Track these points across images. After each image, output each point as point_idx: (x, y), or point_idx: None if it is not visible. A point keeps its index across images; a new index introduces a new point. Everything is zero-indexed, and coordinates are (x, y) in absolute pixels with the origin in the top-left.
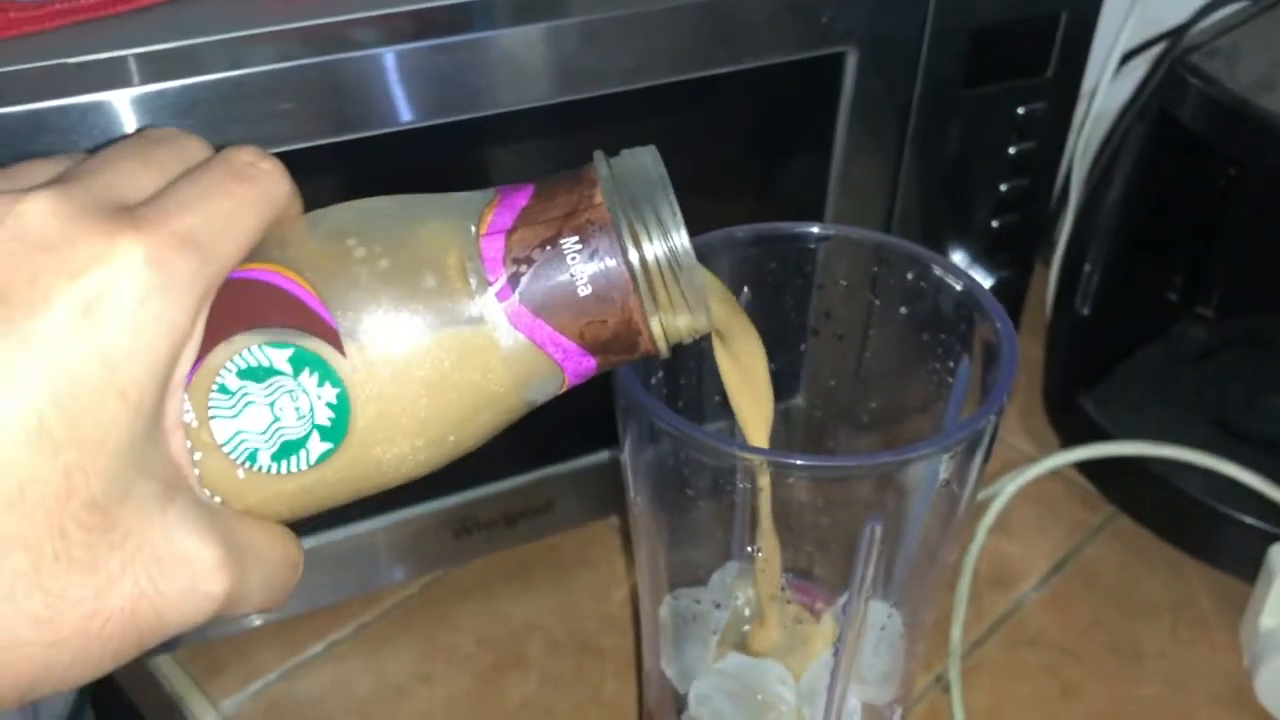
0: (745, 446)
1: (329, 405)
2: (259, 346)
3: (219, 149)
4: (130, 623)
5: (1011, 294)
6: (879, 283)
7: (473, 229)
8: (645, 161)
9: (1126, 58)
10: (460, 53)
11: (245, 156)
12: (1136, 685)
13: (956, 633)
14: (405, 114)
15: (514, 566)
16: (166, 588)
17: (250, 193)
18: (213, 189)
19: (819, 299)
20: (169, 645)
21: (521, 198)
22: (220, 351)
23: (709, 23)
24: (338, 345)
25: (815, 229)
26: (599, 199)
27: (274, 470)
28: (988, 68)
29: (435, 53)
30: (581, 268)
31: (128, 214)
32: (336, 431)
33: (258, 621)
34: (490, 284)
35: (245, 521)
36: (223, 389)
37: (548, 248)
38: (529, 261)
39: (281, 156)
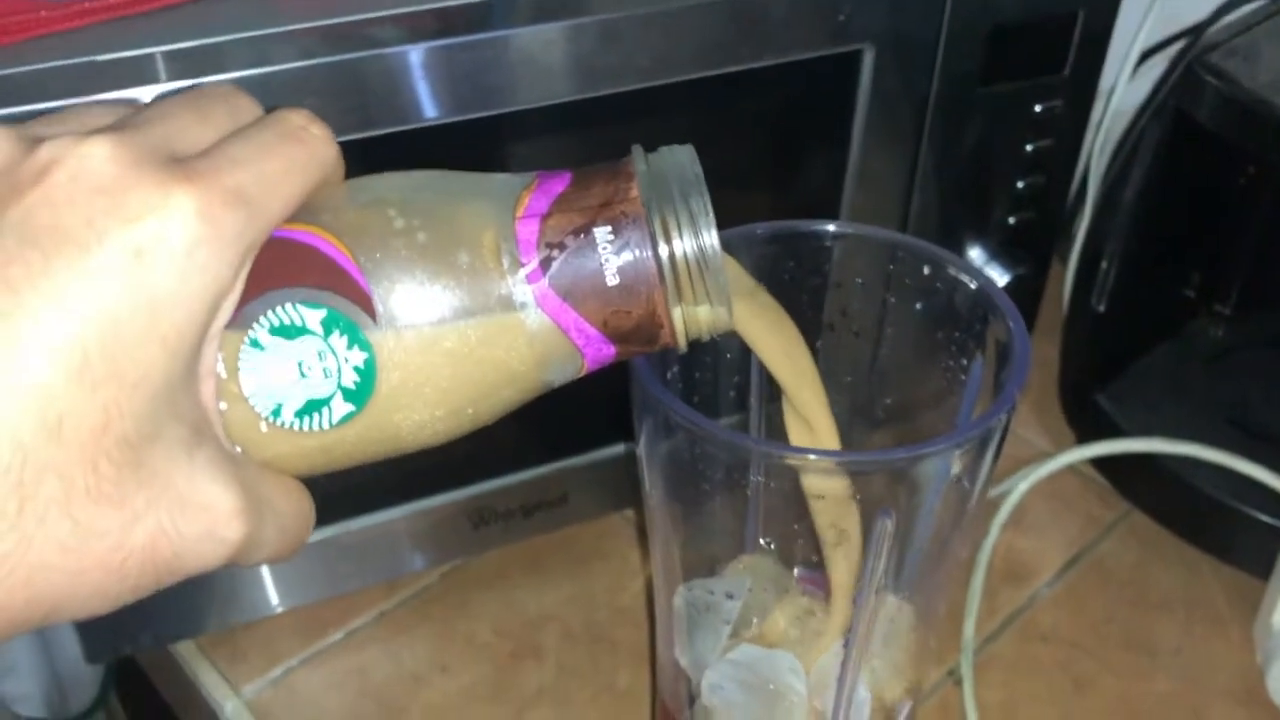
0: (759, 441)
1: (356, 369)
2: (293, 305)
3: (269, 110)
4: (149, 560)
5: (1028, 290)
6: (894, 280)
7: (510, 211)
8: (683, 160)
9: (1145, 56)
10: (481, 51)
11: (297, 120)
12: (1149, 681)
13: (969, 627)
14: (428, 110)
15: (531, 558)
16: (186, 529)
17: (300, 155)
18: (265, 149)
19: (835, 296)
20: (193, 629)
21: (559, 184)
22: (256, 306)
23: (727, 20)
24: (370, 311)
25: (831, 227)
26: (635, 193)
27: (296, 427)
28: (1004, 66)
29: (457, 50)
30: (612, 258)
31: (182, 166)
32: (360, 394)
33: (280, 606)
34: (522, 265)
35: (264, 474)
36: (255, 343)
37: (581, 235)
38: (561, 247)
39: None
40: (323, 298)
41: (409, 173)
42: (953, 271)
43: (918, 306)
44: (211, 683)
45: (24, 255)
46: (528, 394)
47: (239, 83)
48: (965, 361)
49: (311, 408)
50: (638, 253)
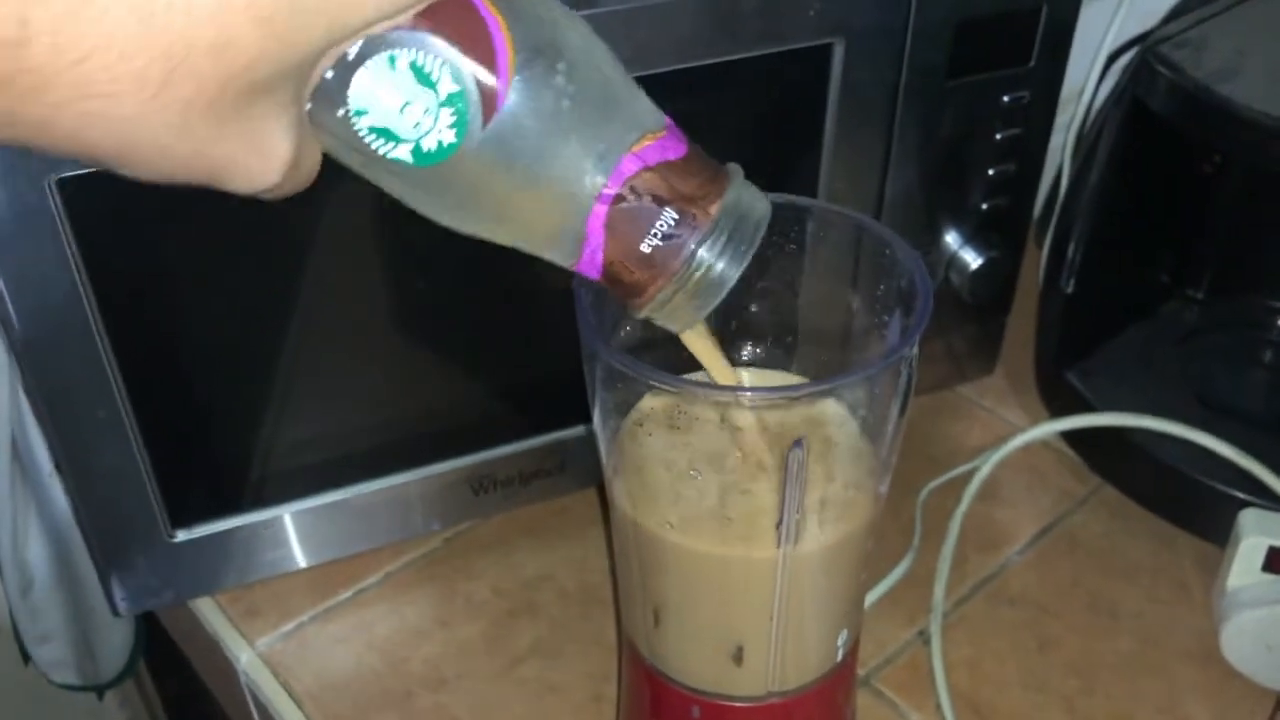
0: (648, 370)
1: (439, 143)
2: (444, 63)
3: None
4: (212, 168)
5: (1002, 274)
6: (820, 245)
7: (629, 143)
8: (761, 210)
9: (1114, 56)
10: None
11: None
12: (1110, 640)
13: (939, 590)
14: None
15: (531, 524)
16: (248, 164)
17: None
18: None
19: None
20: (211, 587)
21: (674, 153)
22: (414, 37)
23: (705, 15)
24: (489, 117)
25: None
26: (714, 210)
27: (360, 134)
28: (971, 58)
29: None
30: (661, 235)
31: None
32: (423, 159)
33: (294, 566)
34: (602, 184)
35: (311, 139)
36: (391, 60)
37: (655, 202)
38: (637, 196)
39: None
40: (466, 76)
41: (599, 44)
42: (874, 234)
43: (841, 267)
44: (228, 636)
45: None
46: (520, 247)
47: None
48: (887, 318)
49: (384, 134)
50: (678, 248)
